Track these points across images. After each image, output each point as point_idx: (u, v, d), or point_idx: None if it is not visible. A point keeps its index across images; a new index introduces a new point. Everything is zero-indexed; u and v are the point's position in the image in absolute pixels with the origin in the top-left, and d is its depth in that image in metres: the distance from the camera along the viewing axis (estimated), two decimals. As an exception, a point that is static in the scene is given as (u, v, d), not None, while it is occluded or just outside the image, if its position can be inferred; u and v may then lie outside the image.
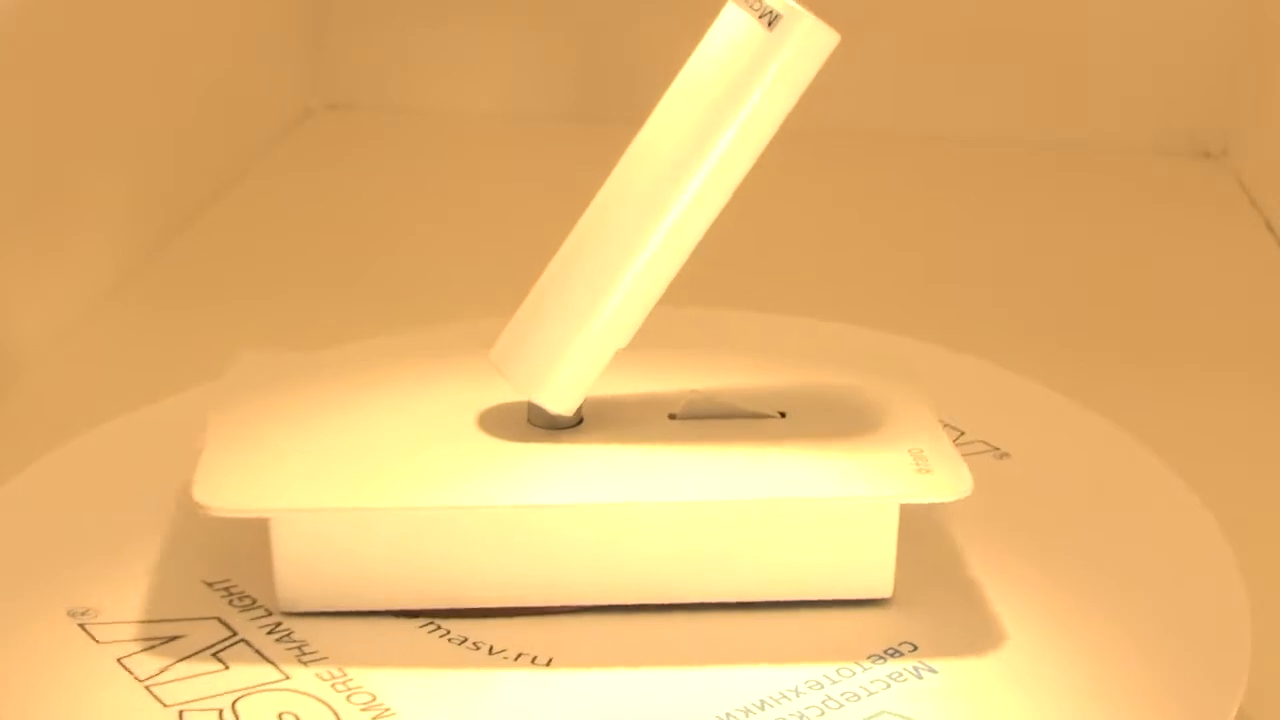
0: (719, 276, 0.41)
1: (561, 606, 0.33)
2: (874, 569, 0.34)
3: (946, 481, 0.33)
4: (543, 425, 0.33)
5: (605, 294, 0.32)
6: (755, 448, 0.34)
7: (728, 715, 0.30)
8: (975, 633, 0.34)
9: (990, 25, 0.70)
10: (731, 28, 0.32)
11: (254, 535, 0.33)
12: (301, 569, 0.31)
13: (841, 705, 0.31)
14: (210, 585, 0.33)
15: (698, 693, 0.31)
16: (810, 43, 0.32)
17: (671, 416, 0.34)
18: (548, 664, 0.31)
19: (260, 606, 0.32)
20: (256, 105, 0.69)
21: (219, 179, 0.64)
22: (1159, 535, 0.36)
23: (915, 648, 0.33)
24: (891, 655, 0.33)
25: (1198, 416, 0.47)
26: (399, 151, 0.69)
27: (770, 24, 0.32)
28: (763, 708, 0.31)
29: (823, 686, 0.32)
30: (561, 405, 0.33)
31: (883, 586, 0.34)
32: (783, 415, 0.35)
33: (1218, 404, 0.48)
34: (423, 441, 0.33)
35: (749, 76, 0.32)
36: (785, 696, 0.31)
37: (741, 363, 0.37)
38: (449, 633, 0.32)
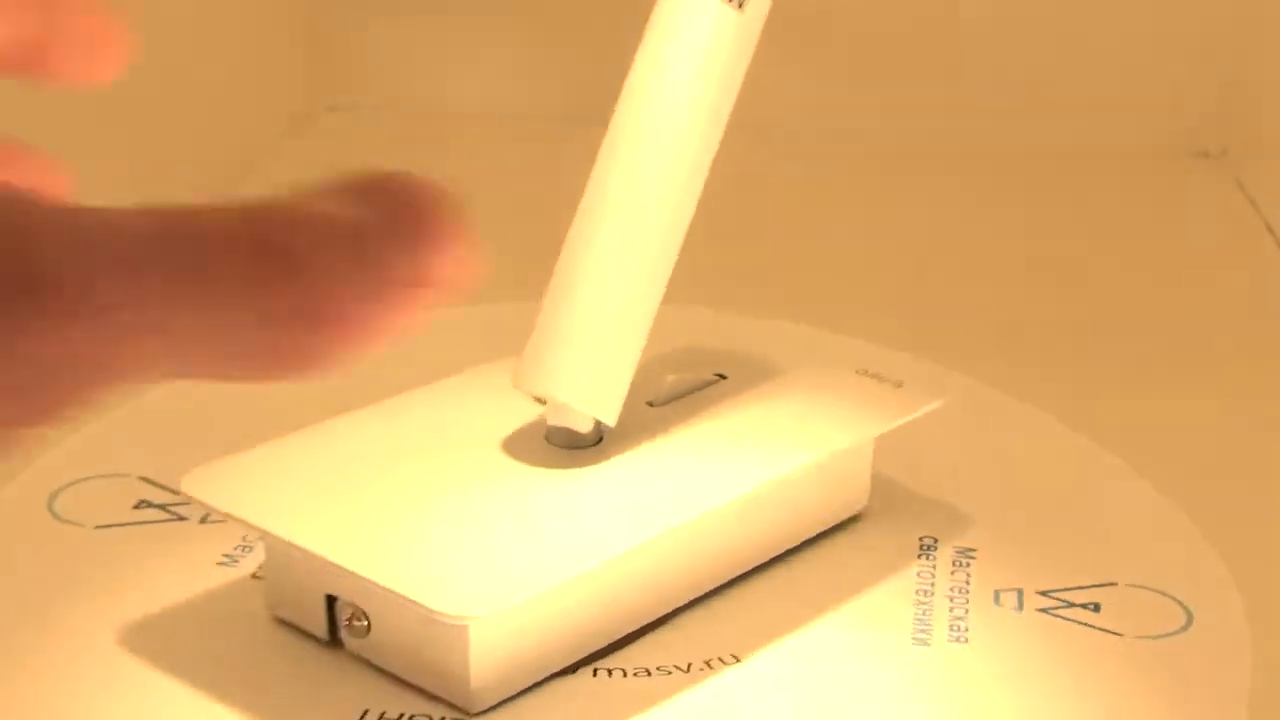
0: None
1: (664, 616, 0.33)
2: (858, 486, 0.36)
3: (925, 390, 0.35)
4: (563, 445, 0.33)
5: (638, 300, 0.33)
6: (757, 418, 0.35)
7: (916, 639, 0.31)
8: (967, 520, 0.36)
9: (989, 25, 0.70)
10: (694, 11, 0.32)
11: (297, 639, 0.32)
12: (491, 664, 0.30)
13: (967, 599, 0.33)
14: None
15: (878, 632, 0.32)
16: (764, 14, 0.33)
17: (649, 404, 0.35)
18: (736, 660, 0.31)
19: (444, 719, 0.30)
20: (256, 106, 0.69)
21: (219, 180, 0.64)
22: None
23: (936, 540, 0.35)
24: (929, 549, 0.35)
25: (1198, 417, 0.47)
26: (399, 151, 0.69)
27: (740, 5, 0.32)
28: (928, 622, 0.32)
29: (931, 593, 0.33)
30: (614, 418, 0.33)
31: (862, 500, 0.36)
32: (723, 377, 0.36)
33: (1218, 405, 0.47)
34: (488, 488, 0.32)
35: (735, 58, 0.32)
36: (924, 609, 0.32)
37: (673, 348, 0.38)
38: (625, 672, 0.31)
